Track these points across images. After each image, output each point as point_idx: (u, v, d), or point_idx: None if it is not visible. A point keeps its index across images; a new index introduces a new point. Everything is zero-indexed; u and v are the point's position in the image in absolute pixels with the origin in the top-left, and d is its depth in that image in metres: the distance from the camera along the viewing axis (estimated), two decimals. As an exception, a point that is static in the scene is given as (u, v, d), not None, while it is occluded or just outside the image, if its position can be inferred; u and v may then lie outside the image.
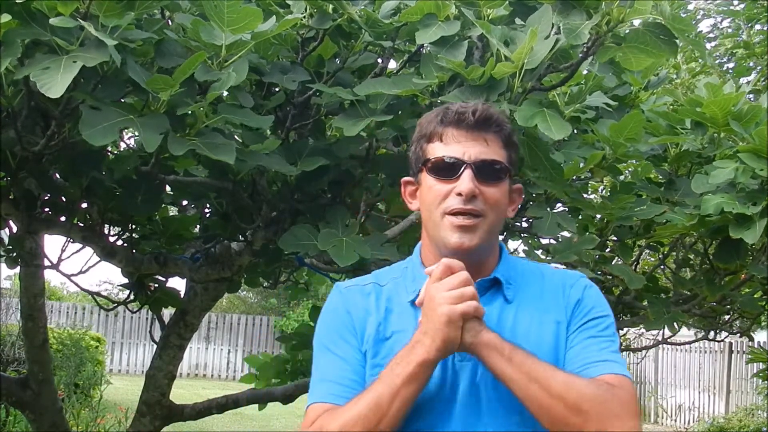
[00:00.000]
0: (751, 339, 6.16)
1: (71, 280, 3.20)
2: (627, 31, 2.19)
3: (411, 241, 3.21)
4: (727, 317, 3.66)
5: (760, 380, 9.60)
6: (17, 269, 3.19)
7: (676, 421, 13.65)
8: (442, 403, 1.44)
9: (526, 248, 2.87)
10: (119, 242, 2.83)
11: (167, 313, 3.42)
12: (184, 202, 3.16)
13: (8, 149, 2.16)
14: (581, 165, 2.80)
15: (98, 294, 3.57)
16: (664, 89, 3.21)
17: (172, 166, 2.59)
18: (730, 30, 8.92)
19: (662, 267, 3.58)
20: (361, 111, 2.30)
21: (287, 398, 3.65)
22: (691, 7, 9.28)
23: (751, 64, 7.41)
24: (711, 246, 3.11)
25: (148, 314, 3.52)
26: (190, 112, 2.04)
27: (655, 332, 3.66)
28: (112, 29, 1.89)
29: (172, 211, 3.35)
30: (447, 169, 1.46)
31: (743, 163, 2.49)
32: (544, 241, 3.20)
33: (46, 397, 3.45)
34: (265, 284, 3.55)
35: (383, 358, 1.46)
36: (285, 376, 4.02)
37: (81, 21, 1.82)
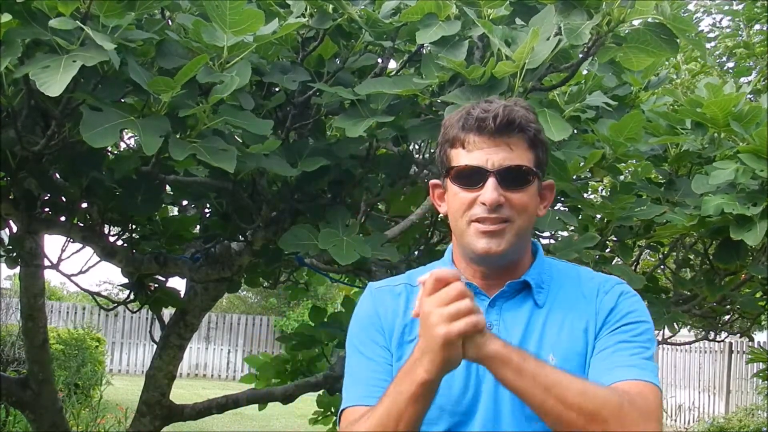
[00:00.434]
0: (751, 339, 6.16)
1: (71, 280, 3.21)
2: (627, 31, 2.19)
3: (411, 241, 3.22)
4: (727, 317, 3.65)
5: (760, 380, 9.60)
6: (17, 269, 3.19)
7: (676, 421, 13.65)
8: (465, 405, 1.43)
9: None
10: (119, 242, 2.83)
11: (167, 313, 3.42)
12: (184, 202, 3.16)
13: (8, 149, 2.15)
14: (581, 164, 2.80)
15: (98, 294, 3.57)
16: (664, 89, 3.21)
17: (172, 166, 2.59)
18: (729, 30, 8.92)
19: (662, 267, 3.57)
20: (362, 111, 2.30)
21: (287, 398, 3.66)
22: (691, 7, 9.28)
23: (751, 63, 7.41)
24: (711, 246, 3.11)
25: (148, 314, 3.52)
26: (191, 114, 2.04)
27: (655, 332, 3.65)
28: (113, 29, 1.89)
29: (172, 211, 3.35)
30: (470, 178, 1.43)
31: (743, 164, 2.48)
32: (544, 241, 3.20)
33: (46, 397, 3.45)
34: (265, 284, 3.55)
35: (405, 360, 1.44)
36: (285, 376, 4.02)
37: (81, 24, 1.81)
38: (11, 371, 7.81)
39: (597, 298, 1.46)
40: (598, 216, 3.01)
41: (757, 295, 3.24)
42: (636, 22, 2.18)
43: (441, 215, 1.87)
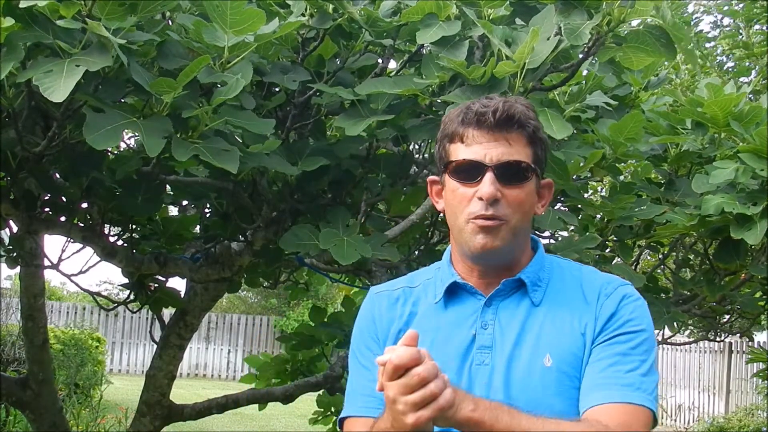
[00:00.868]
0: (751, 339, 6.17)
1: (71, 280, 3.22)
2: (627, 32, 2.20)
3: (411, 241, 3.22)
4: (727, 317, 3.65)
5: (760, 380, 9.60)
6: (17, 269, 3.19)
7: (676, 421, 13.65)
8: None
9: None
10: (119, 242, 2.83)
11: (167, 313, 3.42)
12: (185, 202, 3.16)
13: (9, 149, 2.15)
14: (581, 164, 2.80)
15: (98, 294, 3.57)
16: (664, 89, 3.21)
17: (173, 166, 2.59)
18: (729, 29, 8.92)
19: (662, 267, 3.57)
20: (362, 111, 2.30)
21: (287, 398, 3.66)
22: (691, 7, 9.28)
23: (749, 63, 7.41)
24: (711, 246, 3.11)
25: (148, 314, 3.52)
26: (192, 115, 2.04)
27: (655, 332, 3.66)
28: (115, 32, 1.89)
29: (172, 211, 3.35)
30: (468, 172, 1.43)
31: (743, 164, 2.48)
32: (544, 241, 3.20)
33: (46, 397, 3.45)
34: (265, 284, 3.55)
35: None
36: (285, 376, 4.02)
37: (86, 21, 1.81)
38: (11, 371, 7.81)
39: (598, 301, 1.45)
40: (598, 216, 3.01)
41: (757, 295, 3.24)
42: (635, 23, 2.18)
43: (441, 215, 1.88)
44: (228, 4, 1.94)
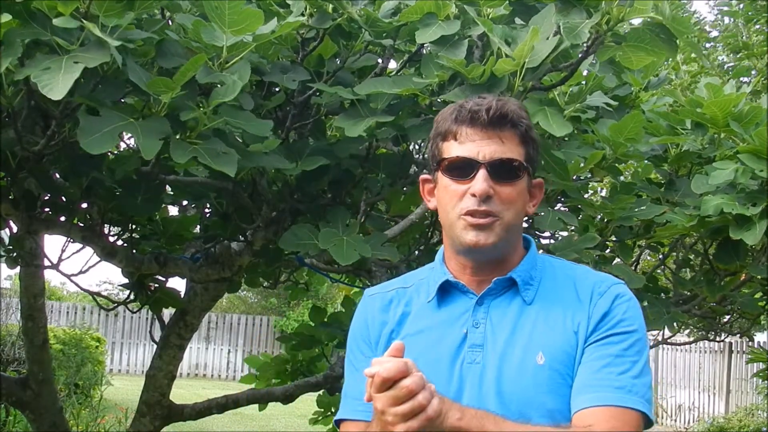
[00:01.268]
0: (751, 339, 6.17)
1: (71, 280, 3.21)
2: (627, 30, 2.19)
3: (411, 240, 3.22)
4: (726, 318, 3.65)
5: (760, 380, 9.60)
6: (17, 269, 3.19)
7: (676, 421, 13.65)
8: None
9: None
10: (119, 242, 2.83)
11: (167, 313, 3.42)
12: (185, 202, 3.16)
13: (8, 149, 2.15)
14: (581, 165, 2.80)
15: (98, 294, 3.57)
16: (664, 89, 3.21)
17: (173, 166, 2.59)
18: (729, 29, 8.92)
19: (662, 267, 3.57)
20: (362, 111, 2.30)
21: (287, 398, 3.65)
22: (691, 8, 9.28)
23: (748, 63, 7.40)
24: (711, 246, 3.11)
25: (148, 314, 3.52)
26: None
27: (655, 332, 3.66)
28: (112, 29, 1.88)
29: (173, 211, 3.35)
30: (461, 169, 1.44)
31: (743, 164, 2.48)
32: (544, 241, 3.20)
33: (46, 397, 3.45)
34: (265, 284, 3.55)
35: None
36: (285, 376, 4.02)
37: (84, 22, 1.81)
38: (11, 371, 7.81)
39: (591, 299, 1.45)
40: (598, 216, 3.01)
41: (757, 295, 3.24)
42: (635, 21, 2.18)
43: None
44: (226, 4, 1.94)
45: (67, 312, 17.33)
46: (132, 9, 1.92)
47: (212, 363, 18.37)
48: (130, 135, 2.97)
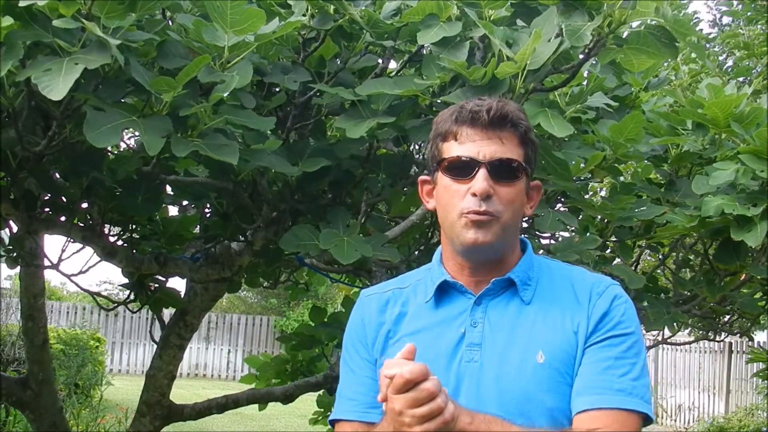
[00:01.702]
0: (751, 339, 6.17)
1: (71, 280, 3.21)
2: (628, 33, 2.19)
3: (411, 241, 3.22)
4: (726, 318, 3.65)
5: (760, 380, 9.59)
6: (17, 269, 3.19)
7: (676, 421, 13.66)
8: None
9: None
10: (119, 242, 2.83)
11: (167, 313, 3.42)
12: (185, 202, 3.16)
13: (9, 149, 2.15)
14: (582, 166, 2.80)
15: (98, 294, 3.57)
16: (664, 90, 3.21)
17: (173, 166, 2.59)
18: (729, 29, 8.93)
19: (662, 267, 3.58)
20: (363, 111, 2.30)
21: (287, 398, 3.65)
22: (689, 10, 9.29)
23: (750, 63, 7.40)
24: (711, 247, 3.11)
25: (148, 314, 3.52)
26: (191, 113, 2.04)
27: (655, 332, 3.66)
28: (114, 30, 1.89)
29: (173, 211, 3.35)
30: (462, 169, 1.44)
31: (744, 165, 2.49)
32: (544, 241, 3.20)
33: (46, 397, 3.44)
34: (265, 284, 3.55)
35: None
36: (285, 376, 4.02)
37: (84, 22, 1.81)
38: (11, 371, 7.81)
39: (590, 300, 1.46)
40: (599, 217, 3.01)
41: (757, 295, 3.24)
42: (636, 24, 2.18)
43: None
44: (228, 4, 1.94)
45: (67, 312, 17.33)
46: (133, 10, 1.93)
47: (212, 363, 18.37)
48: (130, 136, 2.98)
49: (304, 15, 2.28)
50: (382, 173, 2.72)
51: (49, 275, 18.05)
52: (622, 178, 3.15)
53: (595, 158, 2.64)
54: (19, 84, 1.95)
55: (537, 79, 2.20)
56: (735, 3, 7.99)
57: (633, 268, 3.26)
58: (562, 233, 3.06)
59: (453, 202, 1.45)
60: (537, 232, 3.11)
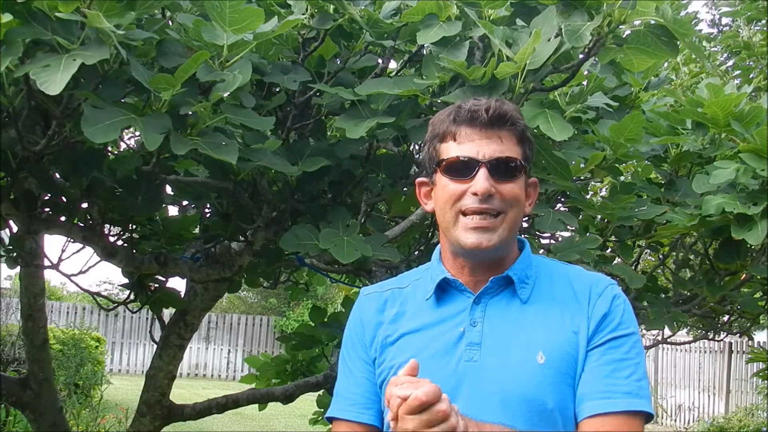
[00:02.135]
0: (751, 338, 6.18)
1: (71, 280, 3.20)
2: (628, 33, 2.19)
3: (411, 241, 3.22)
4: (726, 318, 3.65)
5: (760, 380, 9.59)
6: (17, 269, 3.19)
7: (676, 421, 13.66)
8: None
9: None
10: (119, 242, 2.83)
11: (167, 313, 3.42)
12: (185, 202, 3.15)
13: (9, 149, 2.15)
14: (582, 166, 2.80)
15: (98, 294, 3.57)
16: (664, 89, 3.21)
17: (173, 166, 2.59)
18: (728, 29, 8.93)
19: (662, 267, 3.58)
20: (363, 111, 2.30)
21: (287, 398, 3.65)
22: (689, 10, 9.29)
23: (751, 63, 7.40)
24: (711, 246, 3.11)
25: (148, 314, 3.52)
26: (191, 112, 2.04)
27: (654, 332, 3.67)
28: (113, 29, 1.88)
29: (173, 211, 3.35)
30: (461, 169, 1.44)
31: (744, 164, 2.48)
32: (544, 241, 3.20)
33: (46, 397, 3.44)
34: (265, 284, 3.55)
35: (390, 361, 1.49)
36: (285, 376, 4.02)
37: (87, 11, 1.80)
38: (11, 371, 7.81)
39: (590, 300, 1.46)
40: (599, 216, 3.01)
41: (757, 295, 3.24)
42: (636, 23, 2.17)
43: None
44: (227, 3, 1.94)
45: (67, 312, 17.33)
46: (133, 9, 1.93)
47: (212, 363, 18.37)
48: (130, 136, 2.98)
49: (303, 14, 2.28)
50: (382, 173, 2.72)
51: (49, 275, 18.06)
52: (622, 178, 3.15)
53: (595, 158, 2.64)
54: (18, 83, 1.94)
55: (537, 79, 2.20)
56: (735, 3, 7.99)
57: (633, 267, 3.26)
58: (562, 233, 3.06)
59: (452, 201, 1.45)
60: (537, 232, 3.11)
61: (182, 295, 3.27)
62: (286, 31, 2.20)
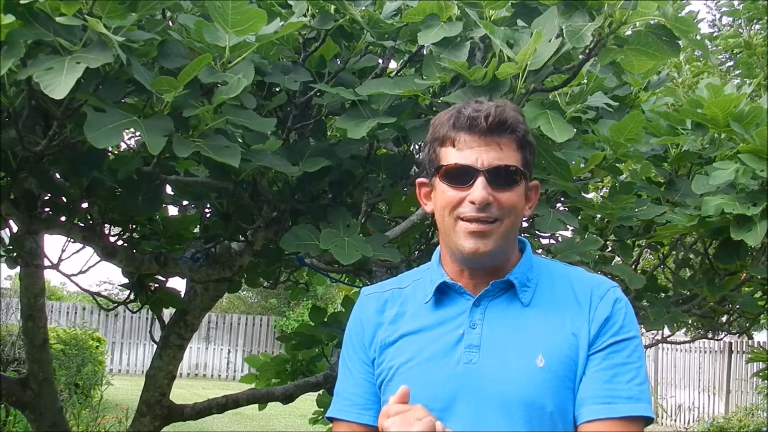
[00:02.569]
0: (750, 337, 6.18)
1: (71, 280, 3.20)
2: (629, 33, 2.19)
3: (411, 241, 3.22)
4: (726, 318, 3.66)
5: (760, 380, 9.60)
6: (17, 269, 3.19)
7: (676, 421, 13.66)
8: (443, 401, 1.43)
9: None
10: (119, 242, 2.83)
11: (167, 313, 3.42)
12: (185, 202, 3.16)
13: (9, 149, 2.15)
14: (582, 166, 2.80)
15: (98, 294, 3.57)
16: (665, 89, 3.21)
17: (173, 167, 2.59)
18: (728, 29, 8.93)
19: (662, 267, 3.58)
20: (363, 112, 2.30)
21: (287, 398, 3.65)
22: (689, 9, 9.29)
23: (753, 63, 7.40)
24: (711, 246, 3.11)
25: (148, 314, 3.52)
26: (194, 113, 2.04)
27: (654, 332, 3.66)
28: (115, 30, 1.89)
29: (173, 211, 3.35)
30: (460, 177, 1.44)
31: (744, 164, 2.49)
32: (543, 241, 3.20)
33: (46, 397, 3.44)
34: (265, 284, 3.55)
35: (389, 361, 1.49)
36: (285, 376, 4.02)
37: (88, 18, 1.81)
38: (11, 371, 7.81)
39: (591, 304, 1.46)
40: (598, 216, 3.01)
41: (757, 295, 3.24)
42: (638, 24, 2.17)
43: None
44: (229, 4, 1.94)
45: (67, 312, 17.32)
46: (134, 10, 1.93)
47: (212, 363, 18.37)
48: (130, 136, 2.98)
49: (304, 15, 2.28)
50: (382, 173, 2.72)
51: (49, 275, 18.05)
52: (622, 178, 3.15)
53: (595, 158, 2.64)
54: (20, 83, 1.94)
55: (538, 80, 2.20)
56: (735, 3, 8.00)
57: (633, 267, 3.26)
58: (561, 233, 3.06)
59: (450, 207, 1.45)
60: (537, 232, 3.11)
61: (182, 295, 3.28)
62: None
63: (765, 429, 10.03)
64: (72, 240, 2.77)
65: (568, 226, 2.79)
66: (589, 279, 1.51)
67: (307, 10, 2.31)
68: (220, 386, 15.15)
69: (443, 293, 1.51)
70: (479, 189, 1.41)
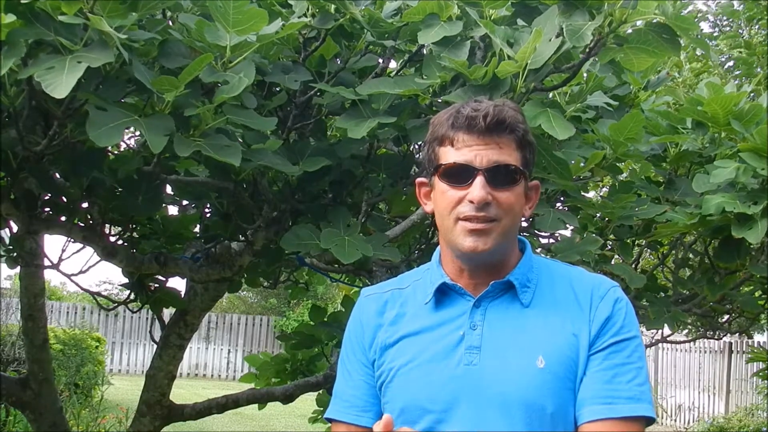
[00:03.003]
0: (750, 337, 6.19)
1: (71, 280, 3.21)
2: (629, 32, 2.19)
3: (411, 240, 3.22)
4: (726, 317, 3.66)
5: (760, 380, 9.60)
6: (17, 269, 3.19)
7: (675, 421, 13.67)
8: (444, 403, 1.43)
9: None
10: (119, 242, 2.83)
11: (167, 313, 3.42)
12: (185, 202, 3.15)
13: (9, 149, 2.15)
14: (582, 165, 2.80)
15: (98, 294, 3.57)
16: (665, 88, 3.21)
17: (173, 166, 2.59)
18: (728, 29, 8.94)
19: (662, 266, 3.58)
20: (364, 111, 2.30)
21: (287, 398, 3.65)
22: (690, 8, 9.30)
23: (754, 63, 7.41)
24: (711, 245, 3.11)
25: (148, 314, 3.52)
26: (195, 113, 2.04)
27: (654, 331, 3.66)
28: (116, 29, 1.88)
29: (173, 210, 3.35)
30: (458, 176, 1.43)
31: (744, 163, 2.49)
32: (543, 241, 3.20)
33: (46, 397, 3.44)
34: (265, 284, 3.55)
35: (389, 363, 1.49)
36: (285, 375, 4.02)
37: (89, 15, 1.81)
38: (11, 371, 7.81)
39: (591, 304, 1.45)
40: (598, 215, 3.01)
41: (757, 294, 3.24)
42: (638, 23, 2.17)
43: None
44: (230, 4, 1.94)
45: (67, 312, 17.33)
46: (135, 10, 1.93)
47: (212, 363, 18.37)
48: (130, 136, 2.98)
49: (305, 14, 2.28)
50: (382, 173, 2.72)
51: (49, 275, 18.06)
52: (621, 177, 3.15)
53: (595, 157, 2.64)
54: (20, 83, 1.94)
55: (538, 79, 2.20)
56: (735, 3, 8.00)
57: (633, 267, 3.26)
58: (561, 232, 3.06)
59: (450, 207, 1.45)
60: (537, 232, 3.11)
61: (182, 295, 3.28)
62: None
63: (765, 429, 10.03)
64: (72, 240, 2.77)
65: (567, 226, 2.79)
66: (590, 279, 1.51)
67: (308, 9, 2.31)
68: (220, 386, 15.16)
69: (443, 294, 1.51)
70: (478, 188, 1.41)
